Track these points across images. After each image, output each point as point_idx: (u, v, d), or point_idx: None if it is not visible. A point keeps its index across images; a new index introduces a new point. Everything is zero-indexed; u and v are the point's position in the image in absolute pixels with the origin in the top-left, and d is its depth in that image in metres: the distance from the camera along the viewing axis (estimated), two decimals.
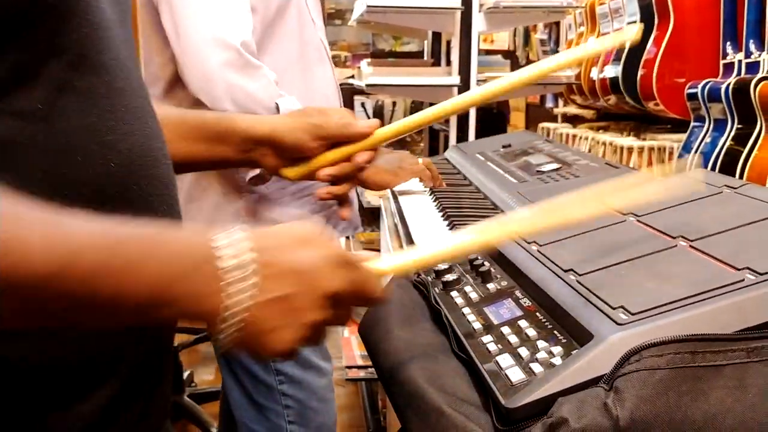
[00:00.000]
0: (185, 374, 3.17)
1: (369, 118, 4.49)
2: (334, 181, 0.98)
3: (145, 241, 0.53)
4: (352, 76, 3.06)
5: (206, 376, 3.55)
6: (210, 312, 0.53)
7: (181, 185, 1.50)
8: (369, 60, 2.87)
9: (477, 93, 0.83)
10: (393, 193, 1.53)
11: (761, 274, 0.60)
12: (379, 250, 2.77)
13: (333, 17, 5.36)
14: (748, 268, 0.62)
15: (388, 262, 0.67)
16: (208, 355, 3.75)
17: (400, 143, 4.33)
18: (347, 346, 2.46)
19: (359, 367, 2.31)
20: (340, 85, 1.64)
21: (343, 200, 0.97)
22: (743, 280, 0.60)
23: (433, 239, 0.68)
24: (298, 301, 0.56)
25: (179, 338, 3.54)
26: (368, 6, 2.36)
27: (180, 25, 1.34)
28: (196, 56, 1.32)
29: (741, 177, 1.66)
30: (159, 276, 0.52)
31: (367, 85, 2.46)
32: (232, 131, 0.94)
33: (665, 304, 0.59)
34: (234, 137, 0.94)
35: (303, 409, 1.57)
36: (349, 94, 3.15)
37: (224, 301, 0.53)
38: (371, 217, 2.99)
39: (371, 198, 2.54)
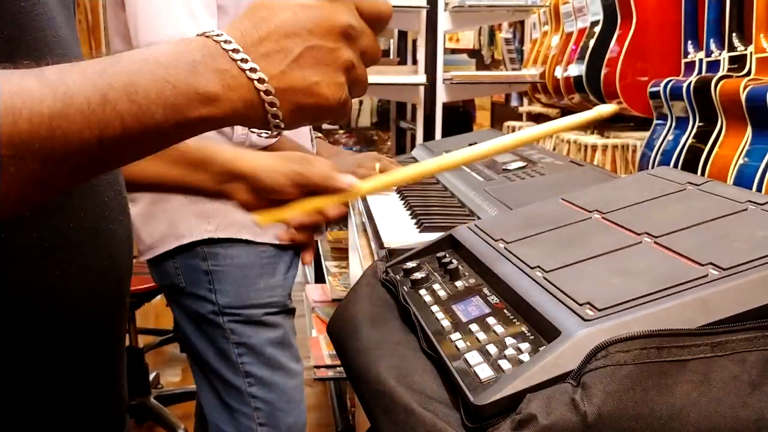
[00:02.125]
0: (151, 376, 3.13)
1: None
2: (302, 228, 0.96)
3: (139, 53, 0.52)
4: None
5: (172, 378, 3.52)
6: (244, 96, 0.53)
7: (142, 194, 1.49)
8: None
9: (458, 157, 0.83)
10: None
11: (724, 269, 0.61)
12: (347, 249, 2.76)
13: None
14: (712, 264, 0.62)
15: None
16: (174, 357, 3.71)
17: (367, 141, 4.34)
18: (315, 345, 2.45)
19: (327, 367, 2.30)
20: None
21: (305, 246, 0.96)
22: (707, 275, 0.61)
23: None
24: (321, 47, 0.56)
25: (145, 339, 3.51)
26: None
27: (140, 25, 1.32)
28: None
29: (703, 174, 1.69)
30: (175, 68, 0.51)
31: None
32: (213, 161, 0.93)
33: (631, 300, 0.60)
34: (213, 167, 0.93)
35: (273, 411, 1.56)
36: None
37: (252, 78, 0.53)
38: None
39: None
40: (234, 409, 1.56)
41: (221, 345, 1.54)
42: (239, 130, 1.35)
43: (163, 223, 1.50)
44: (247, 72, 0.53)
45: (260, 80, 0.53)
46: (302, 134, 1.53)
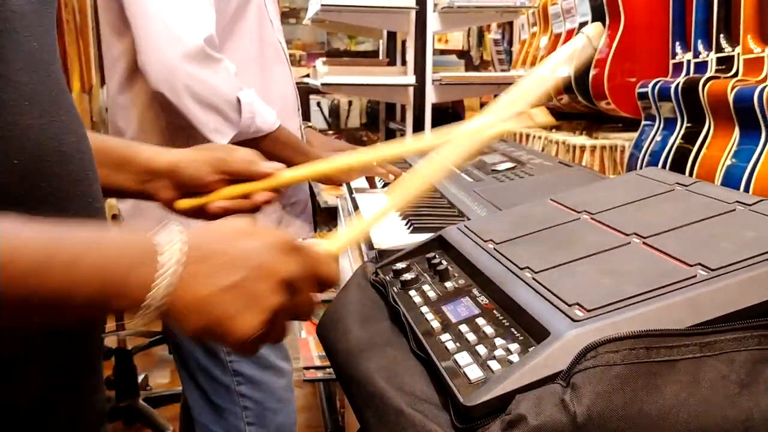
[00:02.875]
0: (140, 378, 3.12)
1: (325, 117, 4.49)
2: (227, 215, 0.95)
3: (87, 236, 0.55)
4: (307, 75, 3.05)
5: (161, 380, 3.51)
6: (141, 300, 0.55)
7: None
8: (324, 59, 2.86)
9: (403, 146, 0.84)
10: (350, 191, 1.52)
11: (713, 270, 0.61)
12: None
13: (287, 16, 5.33)
14: (700, 264, 0.63)
15: (334, 242, 0.69)
16: (163, 358, 3.70)
17: (356, 142, 4.34)
18: (305, 346, 2.45)
19: (317, 368, 2.30)
20: (296, 84, 1.63)
21: None
22: (695, 276, 0.61)
23: (366, 211, 0.71)
24: (253, 287, 0.57)
25: (134, 341, 3.49)
26: (323, 5, 2.35)
27: (143, 15, 1.31)
28: (158, 48, 1.29)
29: (691, 174, 1.70)
30: (108, 267, 0.54)
31: (323, 84, 2.46)
32: (133, 160, 0.92)
33: (620, 301, 0.60)
34: (134, 166, 0.92)
35: (261, 410, 1.56)
36: (304, 94, 3.14)
37: (152, 283, 0.55)
38: (329, 216, 2.98)
39: (328, 198, 2.53)
40: (222, 409, 1.55)
41: (210, 344, 1.54)
42: (246, 114, 1.34)
43: (151, 220, 1.49)
44: (154, 285, 0.55)
45: (163, 296, 0.55)
46: (291, 125, 1.52)
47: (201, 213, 0.94)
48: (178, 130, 1.37)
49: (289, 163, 1.46)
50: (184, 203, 0.91)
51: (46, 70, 0.64)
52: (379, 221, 0.78)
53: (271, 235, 0.61)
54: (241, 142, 1.37)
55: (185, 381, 1.61)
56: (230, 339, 0.57)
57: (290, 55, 1.60)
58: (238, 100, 1.33)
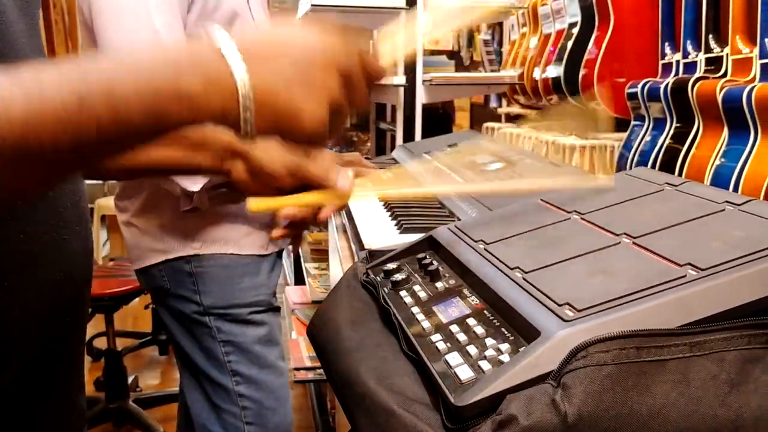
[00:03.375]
0: (130, 379, 3.11)
1: None
2: (291, 222, 0.95)
3: (128, 54, 0.52)
4: None
5: (151, 381, 3.50)
6: (225, 97, 0.53)
7: (132, 204, 1.50)
8: None
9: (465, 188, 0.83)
10: None
11: (703, 270, 0.61)
12: (327, 251, 2.76)
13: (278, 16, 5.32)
14: (690, 264, 0.63)
15: (382, 45, 0.71)
16: (152, 360, 3.69)
17: (346, 142, 4.33)
18: (295, 347, 2.44)
19: (308, 369, 2.30)
20: None
21: (295, 239, 0.95)
22: (685, 275, 0.62)
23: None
24: (314, 79, 0.56)
25: (124, 342, 3.48)
26: (312, 5, 2.35)
27: (105, 28, 1.31)
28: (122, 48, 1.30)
29: (680, 174, 1.70)
30: (160, 70, 0.51)
31: None
32: (215, 139, 0.93)
33: (610, 300, 0.60)
34: (215, 145, 0.93)
35: (260, 410, 1.56)
36: None
37: (238, 81, 0.53)
38: None
39: None
40: (221, 409, 1.55)
41: (208, 344, 1.54)
42: None
43: (149, 237, 1.51)
44: (236, 76, 0.53)
45: (243, 82, 0.53)
46: None
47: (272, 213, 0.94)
48: None
49: None
50: (257, 205, 0.91)
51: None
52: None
53: (326, 29, 0.60)
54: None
55: (186, 382, 1.62)
56: (300, 130, 0.56)
57: None
58: None
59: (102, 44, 1.30)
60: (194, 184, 1.36)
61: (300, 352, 2.40)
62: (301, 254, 3.08)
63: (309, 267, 2.87)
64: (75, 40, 3.41)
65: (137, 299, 3.12)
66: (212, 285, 1.51)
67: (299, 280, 3.18)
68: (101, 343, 3.03)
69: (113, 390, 2.95)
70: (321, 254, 2.93)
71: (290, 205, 0.89)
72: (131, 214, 1.53)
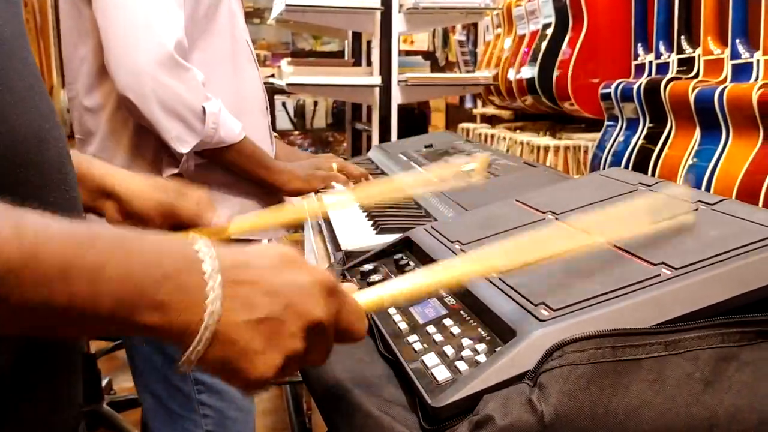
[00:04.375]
0: (104, 381, 3.08)
1: (290, 117, 4.47)
2: None
3: (121, 236, 0.50)
4: (272, 75, 3.03)
5: (126, 384, 3.46)
6: (193, 322, 0.50)
7: None
8: (289, 59, 2.85)
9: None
10: (316, 193, 1.52)
11: (676, 269, 0.62)
12: (302, 252, 2.75)
13: (251, 16, 5.30)
14: (664, 263, 0.63)
15: (365, 296, 0.63)
16: (127, 362, 3.65)
17: (322, 143, 4.32)
18: None
19: None
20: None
21: None
22: (659, 275, 0.62)
23: (406, 277, 0.66)
24: (283, 326, 0.53)
25: (98, 345, 3.45)
26: (287, 5, 2.34)
27: (112, 20, 1.29)
28: (127, 53, 1.28)
29: (653, 174, 1.72)
30: (145, 270, 0.49)
31: (288, 85, 2.45)
32: (87, 177, 0.91)
33: (585, 300, 0.61)
34: (87, 183, 0.91)
35: (222, 419, 1.54)
36: (269, 94, 3.12)
37: (205, 309, 0.50)
38: None
39: (294, 199, 2.51)
40: (180, 417, 1.53)
41: (171, 351, 1.51)
42: (210, 124, 1.33)
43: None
44: (209, 302, 0.50)
45: (211, 316, 0.50)
46: (262, 133, 1.51)
47: None
48: (148, 131, 1.35)
49: (251, 176, 1.46)
50: None
51: (19, 58, 0.63)
52: (420, 293, 0.70)
53: (315, 271, 0.56)
54: (203, 150, 1.36)
55: (142, 388, 1.59)
56: (245, 377, 0.53)
57: (255, 55, 1.59)
58: (204, 110, 1.32)
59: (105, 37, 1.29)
60: (184, 145, 1.34)
61: None
62: None
63: None
64: (46, 39, 3.37)
65: None
66: None
67: None
68: None
69: (87, 393, 2.91)
70: None
71: None
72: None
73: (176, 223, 0.90)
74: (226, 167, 1.43)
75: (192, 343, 0.50)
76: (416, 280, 0.64)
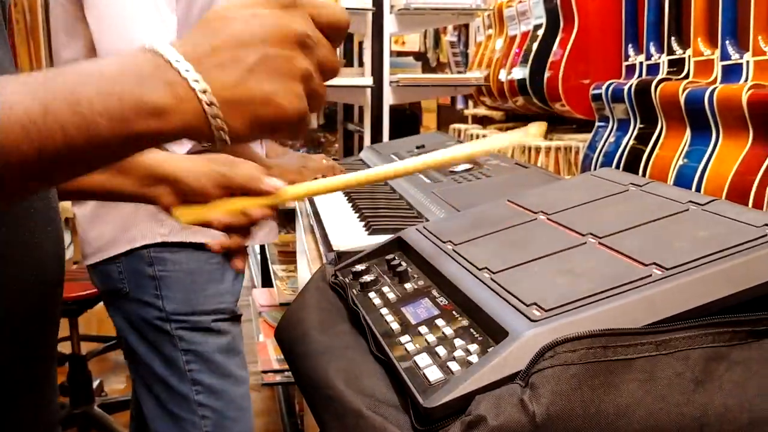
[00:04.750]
0: (95, 383, 3.07)
1: None
2: (228, 231, 0.93)
3: (77, 66, 0.50)
4: None
5: (117, 385, 3.46)
6: (194, 108, 0.50)
7: None
8: None
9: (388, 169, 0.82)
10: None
11: (667, 269, 0.62)
12: (294, 253, 2.75)
13: None
14: (655, 264, 0.64)
15: None
16: (118, 364, 3.64)
17: (314, 143, 4.32)
18: (263, 350, 2.43)
19: (275, 371, 2.28)
20: None
21: (235, 252, 0.92)
22: (651, 275, 0.62)
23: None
24: (276, 56, 0.53)
25: (88, 346, 3.43)
26: None
27: (104, 22, 1.29)
28: (121, 45, 1.27)
29: (644, 175, 1.72)
30: (118, 81, 0.48)
31: None
32: (136, 165, 0.90)
33: (577, 300, 0.61)
34: (137, 171, 0.90)
35: (221, 419, 1.54)
36: None
37: (195, 90, 0.50)
38: (286, 219, 2.96)
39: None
40: (179, 418, 1.53)
41: (169, 352, 1.51)
42: None
43: (112, 225, 1.47)
44: (190, 82, 0.50)
45: (204, 91, 0.50)
46: None
47: (203, 224, 0.92)
48: None
49: None
50: (185, 216, 0.89)
51: (6, 68, 0.63)
52: None
53: (260, 2, 0.55)
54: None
55: (140, 390, 1.58)
56: (283, 117, 0.53)
57: None
58: None
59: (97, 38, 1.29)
60: (181, 148, 1.33)
61: (268, 354, 2.38)
62: (268, 256, 3.07)
63: (276, 269, 2.86)
64: (37, 39, 3.36)
65: (101, 303, 3.08)
66: (176, 290, 1.48)
67: (266, 282, 3.16)
68: (65, 348, 2.98)
69: (78, 395, 2.91)
70: (288, 256, 2.92)
71: (219, 212, 0.87)
72: (91, 204, 1.48)
73: (232, 191, 0.89)
74: None
75: (207, 125, 0.51)
76: None
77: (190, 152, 1.33)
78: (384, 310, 0.75)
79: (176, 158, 0.92)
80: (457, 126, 3.24)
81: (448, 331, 0.67)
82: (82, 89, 0.47)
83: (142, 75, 0.50)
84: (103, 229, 1.47)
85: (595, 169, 1.94)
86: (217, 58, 0.52)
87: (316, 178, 1.55)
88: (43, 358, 0.70)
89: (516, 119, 2.95)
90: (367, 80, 2.42)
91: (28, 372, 0.68)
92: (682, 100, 1.61)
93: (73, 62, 1.41)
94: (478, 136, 2.86)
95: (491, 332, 0.63)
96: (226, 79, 0.51)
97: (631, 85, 1.83)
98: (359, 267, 0.87)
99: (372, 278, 0.82)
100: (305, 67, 0.54)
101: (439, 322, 0.69)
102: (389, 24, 2.42)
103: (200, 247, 1.48)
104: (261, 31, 0.53)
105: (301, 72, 0.54)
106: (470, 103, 3.48)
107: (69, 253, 5.15)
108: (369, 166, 1.80)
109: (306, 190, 0.83)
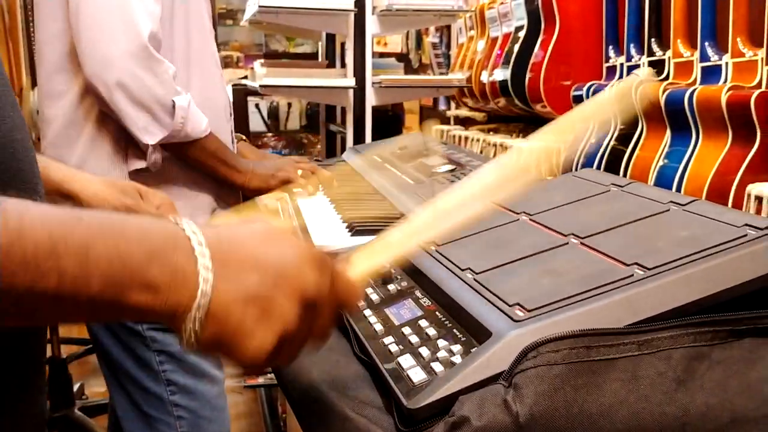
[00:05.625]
0: (75, 386, 3.04)
1: (264, 119, 4.45)
2: None
3: (105, 216, 0.49)
4: (245, 77, 3.02)
5: (98, 388, 3.43)
6: (184, 301, 0.49)
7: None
8: (263, 61, 2.84)
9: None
10: (289, 194, 1.52)
11: (649, 269, 0.63)
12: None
13: (224, 17, 5.27)
14: (637, 264, 0.64)
15: (359, 264, 0.62)
16: (98, 367, 3.61)
17: (296, 144, 4.31)
18: None
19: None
20: (234, 86, 1.62)
21: None
22: (632, 275, 0.63)
23: (389, 233, 0.65)
24: (275, 300, 0.51)
25: (69, 349, 3.40)
26: (260, 6, 2.33)
27: (87, 6, 1.28)
28: (102, 39, 1.26)
29: (625, 175, 1.73)
30: (132, 248, 0.47)
31: (261, 86, 2.44)
32: (44, 178, 0.90)
33: (559, 300, 0.61)
34: (45, 185, 0.90)
35: (196, 419, 1.53)
36: (242, 96, 3.10)
37: (197, 287, 0.49)
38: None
39: (268, 200, 2.50)
40: (154, 419, 1.52)
41: (142, 353, 1.50)
42: (178, 119, 1.32)
43: None
44: (201, 279, 0.49)
45: (204, 293, 0.49)
46: (224, 137, 1.50)
47: None
48: (110, 122, 1.34)
49: (212, 172, 1.45)
50: None
51: None
52: (410, 246, 0.69)
53: (301, 244, 0.54)
54: (168, 144, 1.35)
55: (114, 391, 1.57)
56: (240, 355, 0.51)
57: (227, 57, 1.59)
58: (173, 104, 1.31)
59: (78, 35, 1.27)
60: (151, 136, 1.31)
61: None
62: None
63: None
64: (15, 40, 3.33)
65: None
66: None
67: None
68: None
69: (58, 398, 2.88)
70: None
71: None
72: None
73: None
74: (186, 161, 1.42)
75: (186, 322, 0.49)
76: (398, 237, 0.64)
77: (142, 168, 1.33)
78: (367, 312, 0.75)
79: (86, 179, 0.91)
80: (439, 127, 3.24)
81: (432, 331, 0.67)
82: (94, 245, 0.46)
83: (155, 248, 0.49)
84: None
85: (576, 170, 1.95)
86: (229, 268, 0.50)
87: (287, 183, 1.54)
88: (33, 358, 0.70)
89: (498, 120, 2.95)
90: (350, 81, 2.42)
91: (19, 373, 0.67)
92: (662, 101, 1.62)
93: (49, 47, 1.38)
94: (460, 138, 2.87)
95: (474, 333, 0.63)
96: (223, 294, 0.50)
97: (611, 87, 1.84)
98: None
99: None
100: (291, 324, 0.52)
101: (423, 323, 0.69)
102: (371, 25, 2.42)
103: None
104: (279, 269, 0.52)
105: (284, 326, 0.52)
106: (452, 104, 3.49)
107: None
108: (351, 167, 1.80)
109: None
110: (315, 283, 0.53)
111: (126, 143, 1.36)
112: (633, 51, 1.88)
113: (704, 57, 1.59)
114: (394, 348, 0.65)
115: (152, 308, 0.49)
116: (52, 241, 0.45)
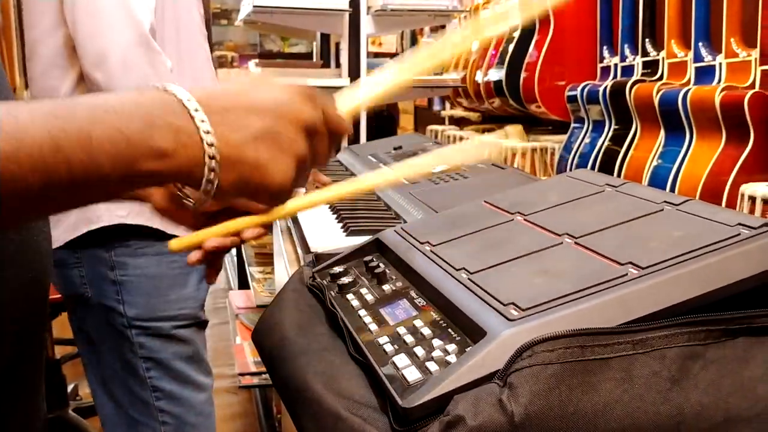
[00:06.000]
0: (69, 387, 3.03)
1: None
2: (219, 253, 0.88)
3: (97, 98, 0.51)
4: None
5: None
6: (193, 155, 0.52)
7: None
8: (257, 61, 2.84)
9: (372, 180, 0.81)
10: None
11: (643, 269, 0.63)
12: (271, 254, 2.74)
13: (219, 17, 5.27)
14: (631, 263, 0.64)
15: (343, 101, 0.70)
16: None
17: None
18: (240, 352, 2.42)
19: (252, 374, 2.27)
20: None
21: (213, 265, 0.88)
22: (626, 274, 0.63)
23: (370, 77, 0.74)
24: (281, 132, 0.56)
25: (63, 350, 3.39)
26: (255, 6, 2.33)
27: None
28: (101, 30, 1.25)
29: (619, 175, 1.74)
30: (131, 121, 0.50)
31: None
32: None
33: (554, 300, 0.61)
34: None
35: (181, 425, 1.52)
36: None
37: (203, 141, 0.52)
38: None
39: None
40: (139, 423, 1.51)
41: (128, 358, 1.49)
42: None
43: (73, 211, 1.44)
44: (202, 132, 0.52)
45: (211, 144, 0.53)
46: None
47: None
48: None
49: None
50: (179, 245, 0.85)
51: None
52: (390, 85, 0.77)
53: (288, 84, 0.59)
54: None
55: (99, 395, 1.56)
56: (268, 187, 0.56)
57: (222, 57, 1.59)
58: None
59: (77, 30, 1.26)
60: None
61: (245, 357, 2.37)
62: (244, 258, 3.05)
63: (253, 271, 2.85)
64: (9, 39, 3.32)
65: None
66: (138, 295, 1.46)
67: (243, 284, 3.15)
68: None
69: (52, 399, 2.88)
70: (265, 258, 2.91)
71: (215, 235, 0.82)
72: None
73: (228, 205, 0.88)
74: None
75: (202, 177, 0.53)
76: (378, 79, 0.73)
77: None
78: (362, 312, 0.75)
79: None
80: (434, 127, 3.25)
81: (426, 331, 0.67)
82: (93, 128, 0.48)
83: (152, 116, 0.51)
84: (65, 214, 1.44)
85: (570, 170, 1.95)
86: (229, 116, 0.54)
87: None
88: (35, 359, 0.70)
89: (492, 120, 2.96)
90: (344, 81, 2.42)
91: (21, 374, 0.67)
92: (656, 101, 1.63)
93: (42, 41, 1.37)
94: (455, 138, 2.87)
95: (469, 332, 0.63)
96: (232, 138, 0.54)
97: (606, 87, 1.85)
98: (337, 269, 0.87)
99: (350, 280, 0.82)
100: (303, 151, 0.58)
101: (418, 322, 0.69)
102: (366, 25, 2.42)
103: (160, 253, 1.46)
104: (276, 106, 0.56)
105: (297, 153, 0.57)
106: (447, 104, 3.49)
107: None
108: (347, 168, 1.80)
109: (298, 205, 0.80)
110: (310, 110, 0.59)
111: None
112: (627, 51, 1.88)
113: (698, 57, 1.59)
114: (389, 348, 0.65)
115: (167, 171, 0.52)
116: (52, 137, 0.46)
